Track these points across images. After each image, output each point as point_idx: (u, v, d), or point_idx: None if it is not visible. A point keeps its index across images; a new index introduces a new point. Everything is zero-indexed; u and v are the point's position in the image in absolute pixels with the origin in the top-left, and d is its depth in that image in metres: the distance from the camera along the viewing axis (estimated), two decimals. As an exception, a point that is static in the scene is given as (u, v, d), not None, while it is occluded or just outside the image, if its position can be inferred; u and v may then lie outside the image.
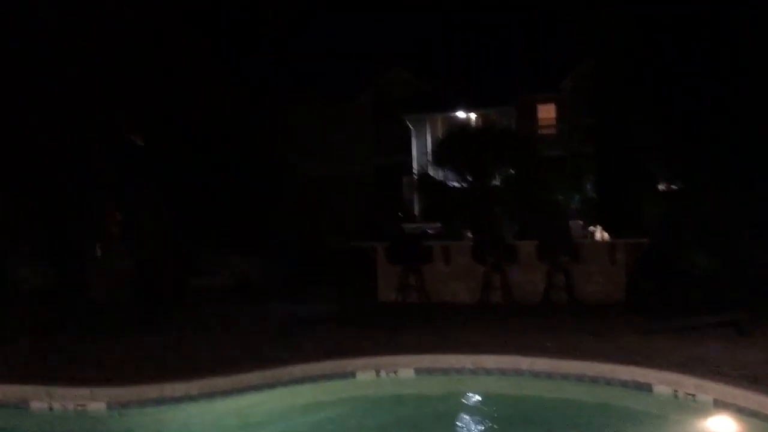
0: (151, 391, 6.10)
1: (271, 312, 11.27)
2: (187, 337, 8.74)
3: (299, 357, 7.14)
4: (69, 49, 14.25)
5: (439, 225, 16.33)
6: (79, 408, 5.99)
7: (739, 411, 5.46)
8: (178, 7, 16.88)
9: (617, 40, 15.49)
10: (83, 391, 6.03)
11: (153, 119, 16.01)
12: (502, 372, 6.89)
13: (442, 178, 19.07)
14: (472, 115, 25.48)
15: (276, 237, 17.22)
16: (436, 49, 28.17)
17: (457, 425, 6.29)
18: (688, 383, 5.91)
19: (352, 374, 6.88)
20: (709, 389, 5.76)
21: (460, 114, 25.09)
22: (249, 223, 17.42)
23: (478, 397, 6.87)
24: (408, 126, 26.53)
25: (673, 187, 18.73)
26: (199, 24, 16.90)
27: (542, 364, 6.81)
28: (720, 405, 5.63)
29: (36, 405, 6.05)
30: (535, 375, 6.78)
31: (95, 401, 5.98)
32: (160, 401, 6.06)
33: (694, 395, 5.87)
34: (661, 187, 19.53)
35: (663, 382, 6.10)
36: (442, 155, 17.87)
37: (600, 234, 11.64)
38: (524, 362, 6.89)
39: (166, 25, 15.91)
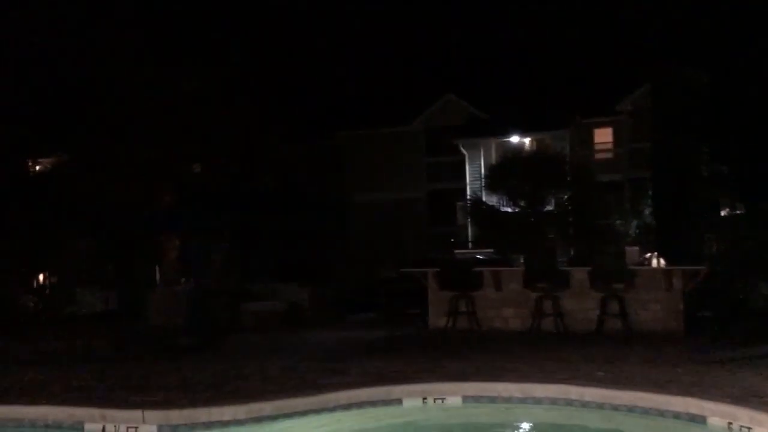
0: (200, 414, 6.19)
1: (320, 339, 11.35)
2: (237, 362, 8.86)
3: (345, 383, 7.16)
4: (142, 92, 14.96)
5: (491, 251, 16.26)
6: (131, 430, 6.12)
7: (798, 446, 5.24)
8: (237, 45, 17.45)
9: (676, 63, 15.26)
10: (136, 414, 6.16)
11: (211, 150, 16.50)
12: (552, 401, 6.77)
13: (495, 204, 19.01)
14: (527, 140, 25.32)
15: (329, 265, 17.40)
16: (491, 74, 28.21)
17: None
18: (743, 415, 5.70)
19: (399, 401, 6.85)
20: (764, 422, 5.55)
21: (514, 139, 24.97)
22: (302, 251, 17.66)
23: (526, 427, 6.77)
24: (462, 151, 26.51)
25: (737, 212, 18.22)
26: (257, 59, 17.43)
27: (592, 394, 6.67)
28: (780, 440, 5.42)
29: (90, 427, 6.21)
30: (585, 405, 6.64)
31: (146, 424, 6.10)
32: (209, 425, 6.15)
33: (750, 428, 5.66)
34: (723, 213, 19.03)
35: (717, 414, 5.91)
36: (494, 180, 17.84)
37: (656, 261, 11.41)
38: (574, 392, 6.76)
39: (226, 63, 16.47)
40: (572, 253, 18.15)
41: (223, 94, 16.03)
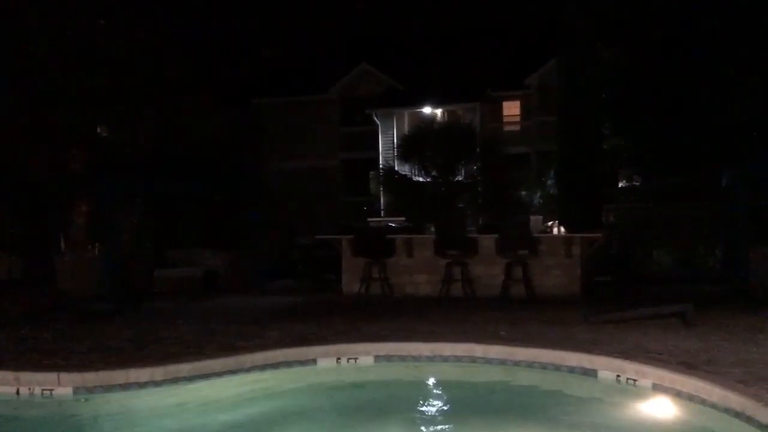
0: (117, 376, 6.27)
1: (237, 304, 11.47)
2: (153, 327, 8.90)
3: (261, 345, 7.37)
4: (55, 53, 14.42)
5: (403, 219, 16.66)
6: (46, 393, 6.15)
7: (677, 395, 5.80)
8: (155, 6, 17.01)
9: (582, 38, 15.88)
10: (51, 377, 6.19)
11: (125, 114, 16.16)
12: (458, 359, 7.19)
13: (407, 173, 19.41)
14: (438, 111, 25.82)
15: (245, 231, 17.40)
16: (404, 46, 28.45)
17: (415, 409, 6.57)
18: (629, 369, 6.26)
19: (313, 361, 7.12)
20: (648, 374, 6.11)
21: (427, 110, 25.41)
22: (219, 217, 17.60)
23: (434, 383, 7.17)
24: (375, 121, 26.79)
25: (635, 184, 19.32)
26: (176, 22, 17.06)
27: (495, 351, 7.12)
28: (659, 389, 5.97)
29: (3, 390, 6.20)
30: (488, 362, 7.09)
31: (62, 386, 6.14)
32: (125, 387, 6.24)
33: (635, 380, 6.22)
34: (622, 184, 20.13)
35: (607, 368, 6.44)
36: (407, 150, 18.22)
37: (557, 229, 12.05)
38: (479, 349, 7.20)
39: (142, 21, 16.07)
40: (481, 221, 18.77)
41: (140, 56, 15.68)
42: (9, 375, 6.26)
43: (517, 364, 6.98)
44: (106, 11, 16.13)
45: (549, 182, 20.46)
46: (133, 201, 14.87)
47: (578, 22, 15.60)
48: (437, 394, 7.06)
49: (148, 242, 15.17)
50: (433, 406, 6.64)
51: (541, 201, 20.84)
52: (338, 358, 7.21)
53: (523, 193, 21.44)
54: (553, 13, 17.11)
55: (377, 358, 7.27)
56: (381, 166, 23.56)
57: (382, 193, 23.08)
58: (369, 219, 22.09)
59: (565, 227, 12.25)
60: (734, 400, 5.11)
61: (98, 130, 17.16)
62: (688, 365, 6.20)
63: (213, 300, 12.08)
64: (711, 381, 5.50)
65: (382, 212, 24.23)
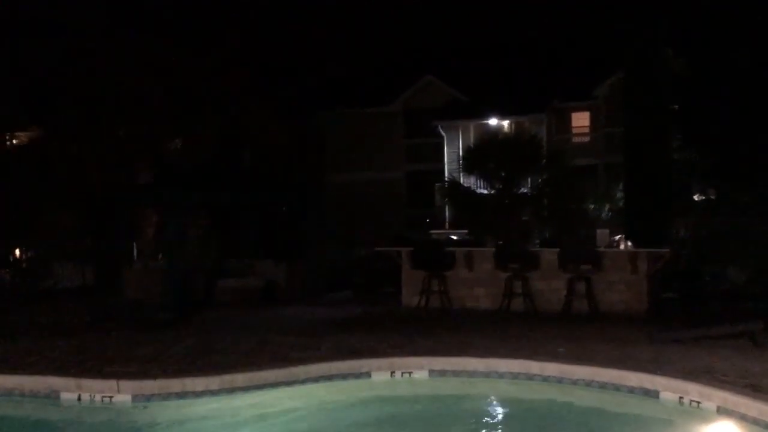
0: (174, 385, 6.40)
1: (295, 315, 11.56)
2: (211, 337, 9.05)
3: (316, 357, 7.39)
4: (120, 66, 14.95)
5: (465, 231, 16.51)
6: (106, 400, 6.32)
7: (742, 418, 5.55)
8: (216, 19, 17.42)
9: (651, 47, 15.48)
10: (110, 384, 6.36)
11: (191, 126, 16.56)
12: (513, 376, 7.05)
13: (471, 185, 19.25)
14: (505, 123, 25.56)
15: (306, 243, 17.55)
16: (470, 57, 28.31)
17: (468, 426, 6.47)
18: (693, 390, 6.02)
19: (368, 374, 7.10)
20: (713, 396, 5.86)
21: (492, 121, 25.20)
22: (280, 228, 17.81)
23: (489, 400, 7.05)
24: (440, 133, 26.71)
25: (709, 197, 18.63)
26: (238, 36, 17.42)
27: (552, 369, 6.96)
28: (723, 412, 5.73)
29: (66, 396, 6.40)
30: (545, 379, 6.93)
31: (121, 394, 6.30)
32: (182, 395, 6.36)
33: (699, 402, 5.98)
34: (696, 197, 19.43)
35: (669, 389, 6.21)
36: (471, 162, 18.03)
37: (624, 244, 11.71)
38: (535, 367, 7.05)
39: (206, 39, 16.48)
40: (547, 235, 18.44)
41: (207, 71, 16.05)
42: (71, 381, 6.46)
43: (575, 382, 6.81)
44: (172, 23, 16.60)
45: (618, 195, 19.94)
46: (197, 212, 15.18)
47: (646, 30, 15.21)
48: (491, 411, 6.94)
49: (211, 253, 15.46)
50: (486, 424, 6.52)
51: (610, 214, 20.33)
52: (392, 372, 7.18)
53: (591, 206, 20.97)
54: (622, 21, 16.73)
55: (431, 372, 7.21)
56: (446, 178, 23.45)
57: (446, 205, 22.95)
58: (432, 231, 22.05)
59: (632, 242, 11.88)
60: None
61: (165, 142, 17.62)
62: (754, 387, 5.92)
63: (271, 310, 12.21)
64: (776, 405, 5.23)
65: (447, 225, 24.09)
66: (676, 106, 17.11)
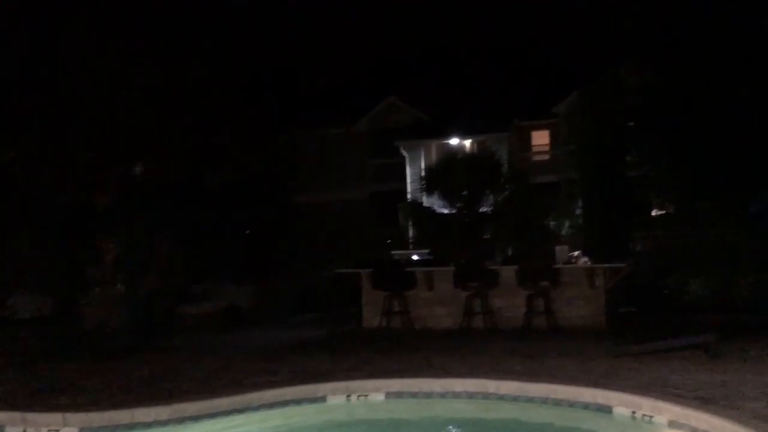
0: (122, 416, 6.24)
1: (255, 339, 11.45)
2: (168, 364, 8.90)
3: (271, 382, 7.30)
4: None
5: (428, 251, 16.56)
6: (53, 433, 6.15)
7: (692, 431, 5.58)
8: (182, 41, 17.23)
9: (607, 66, 15.77)
10: (56, 417, 6.18)
11: (153, 147, 16.32)
12: (470, 395, 7.02)
13: (433, 205, 19.33)
14: (467, 142, 25.76)
15: (271, 265, 17.46)
16: (432, 77, 28.55)
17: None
18: (645, 405, 6.04)
19: (323, 399, 7.02)
20: (664, 410, 5.88)
21: (454, 141, 25.37)
22: (247, 250, 17.66)
23: (446, 421, 7.00)
24: (402, 153, 26.82)
25: (666, 212, 18.90)
26: (205, 57, 17.28)
27: (508, 387, 6.94)
28: (674, 426, 5.75)
29: (11, 430, 6.21)
30: (501, 398, 6.91)
31: (68, 427, 6.13)
32: (131, 426, 6.21)
33: (651, 416, 6.00)
34: (655, 212, 19.71)
35: (622, 404, 6.23)
36: (432, 182, 18.15)
37: (582, 259, 11.83)
38: (491, 385, 7.03)
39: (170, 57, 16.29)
40: (509, 252, 18.57)
41: (174, 90, 15.81)
42: (16, 415, 6.28)
43: (530, 400, 6.79)
44: (139, 41, 16.36)
45: (578, 211, 20.17)
46: (161, 235, 14.97)
47: (601, 49, 15.51)
48: None
49: (175, 276, 15.27)
50: (444, 445, 6.48)
51: (570, 230, 20.53)
52: (348, 395, 7.09)
53: (552, 222, 21.15)
54: (578, 40, 17.03)
55: (388, 394, 7.13)
56: (408, 198, 23.51)
57: (409, 225, 23.00)
58: (394, 251, 22.03)
59: (590, 257, 12.02)
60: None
61: (129, 163, 17.32)
62: (705, 400, 5.97)
63: (235, 334, 12.09)
64: (725, 417, 5.26)
65: (410, 244, 24.11)
66: (632, 123, 17.38)
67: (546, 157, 26.77)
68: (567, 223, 20.56)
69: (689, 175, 16.86)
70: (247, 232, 20.79)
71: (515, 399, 6.84)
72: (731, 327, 10.27)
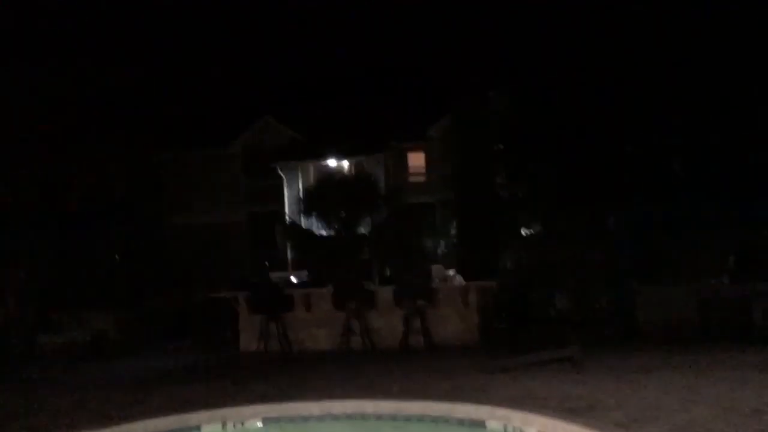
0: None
1: (126, 368, 10.94)
2: (24, 398, 8.34)
3: (141, 413, 6.99)
4: None
5: (306, 272, 16.45)
6: None
7: (560, 441, 5.81)
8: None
9: (478, 89, 16.33)
10: None
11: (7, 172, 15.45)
12: (349, 417, 7.01)
13: (312, 227, 19.31)
14: (345, 163, 25.91)
15: (141, 290, 16.80)
16: (310, 97, 28.56)
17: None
18: (515, 417, 6.25)
19: (197, 428, 6.79)
20: (534, 422, 6.11)
21: (332, 162, 25.46)
22: (112, 276, 16.91)
23: (325, 444, 6.95)
24: (280, 174, 26.63)
25: (531, 231, 19.77)
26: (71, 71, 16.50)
27: (386, 406, 6.99)
28: (544, 436, 5.97)
29: None
30: (380, 417, 6.94)
31: None
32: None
33: (522, 429, 6.21)
34: (525, 231, 20.56)
35: (494, 418, 6.41)
36: (310, 203, 18.11)
37: (456, 278, 12.12)
38: (369, 406, 7.05)
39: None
40: (388, 273, 18.78)
41: (27, 107, 15.01)
42: None
43: (408, 419, 6.87)
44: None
45: (453, 231, 20.71)
46: (15, 262, 14.06)
47: (471, 73, 16.08)
48: (328, 454, 6.85)
49: (31, 305, 14.36)
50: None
51: (446, 250, 21.04)
52: (224, 423, 6.90)
53: (429, 243, 21.61)
54: (453, 62, 17.55)
55: (265, 420, 7.01)
56: (286, 219, 23.34)
57: (288, 247, 22.82)
58: (273, 273, 21.77)
59: (464, 275, 12.34)
60: (609, 445, 5.15)
61: None
62: (571, 411, 6.25)
63: (100, 365, 11.49)
64: (590, 427, 5.53)
65: (289, 266, 23.90)
66: (501, 145, 18.10)
67: (422, 178, 27.34)
68: (443, 243, 21.07)
69: (553, 195, 17.77)
70: (116, 256, 19.99)
71: (393, 418, 6.90)
72: (593, 339, 10.83)
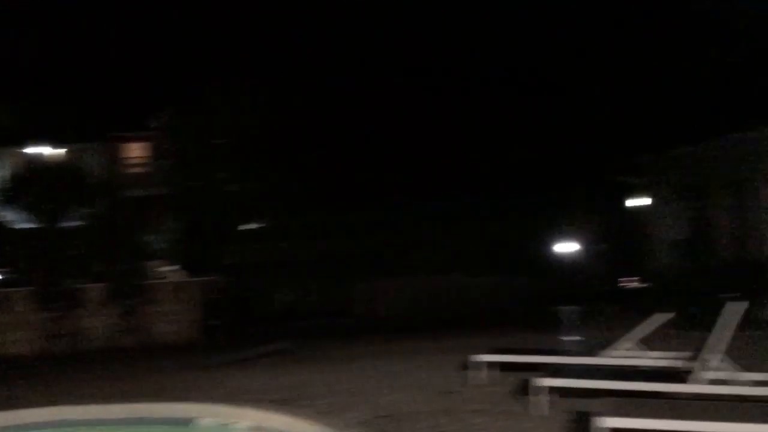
0: None
1: None
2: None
3: None
4: None
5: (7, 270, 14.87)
6: None
7: (274, 433, 5.94)
8: None
9: (207, 85, 16.02)
10: None
11: None
12: (54, 425, 6.51)
13: (15, 220, 17.43)
14: (55, 152, 23.78)
15: None
16: (19, 83, 25.80)
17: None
18: (226, 412, 6.25)
19: None
20: (246, 416, 6.16)
21: (38, 150, 23.26)
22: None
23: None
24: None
25: (254, 227, 19.88)
26: None
27: (92, 411, 6.60)
28: (257, 429, 6.07)
29: None
30: (87, 423, 6.55)
31: None
32: None
33: (235, 423, 6.23)
34: (251, 227, 20.57)
35: (203, 414, 6.35)
36: (12, 194, 16.37)
37: (176, 274, 11.83)
38: (75, 411, 6.61)
39: None
40: (102, 269, 17.63)
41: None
42: None
43: (116, 423, 6.56)
44: None
45: (178, 226, 20.01)
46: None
47: (197, 67, 15.75)
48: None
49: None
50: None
51: (167, 246, 20.28)
52: None
53: (151, 237, 20.62)
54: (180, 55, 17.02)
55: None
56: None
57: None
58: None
59: (189, 271, 12.07)
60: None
61: None
62: (284, 401, 6.43)
63: None
64: (298, 416, 5.73)
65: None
66: (223, 141, 17.85)
67: (143, 170, 26.10)
68: (164, 239, 20.27)
69: (285, 192, 18.00)
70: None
71: (101, 422, 6.53)
72: (308, 331, 11.25)
